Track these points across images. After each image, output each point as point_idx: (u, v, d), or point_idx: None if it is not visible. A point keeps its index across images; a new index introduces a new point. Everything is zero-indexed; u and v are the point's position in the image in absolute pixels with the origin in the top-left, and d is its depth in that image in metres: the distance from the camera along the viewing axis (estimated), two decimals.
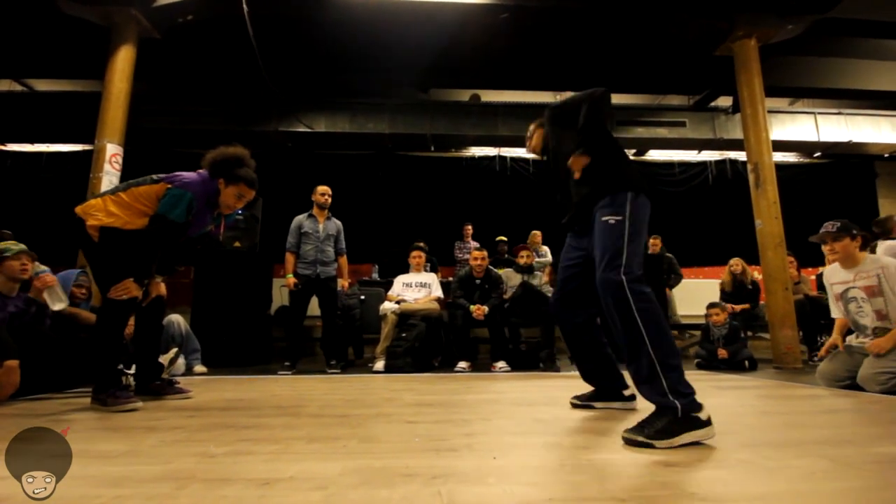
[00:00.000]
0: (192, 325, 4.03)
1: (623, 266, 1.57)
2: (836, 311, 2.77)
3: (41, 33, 5.33)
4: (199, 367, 3.76)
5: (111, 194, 2.16)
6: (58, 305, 2.56)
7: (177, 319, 3.77)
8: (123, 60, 4.49)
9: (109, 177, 4.32)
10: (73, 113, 6.34)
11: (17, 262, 2.48)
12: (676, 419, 1.34)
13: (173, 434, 1.47)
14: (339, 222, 4.14)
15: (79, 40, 5.18)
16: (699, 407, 1.37)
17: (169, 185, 2.13)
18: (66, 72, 6.32)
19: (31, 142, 7.32)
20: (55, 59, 5.87)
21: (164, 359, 2.84)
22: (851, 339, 2.71)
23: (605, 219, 1.65)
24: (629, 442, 1.33)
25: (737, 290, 4.97)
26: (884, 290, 2.49)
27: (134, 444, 1.35)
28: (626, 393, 1.91)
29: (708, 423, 1.36)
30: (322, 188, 4.04)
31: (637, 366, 1.48)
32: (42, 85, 6.88)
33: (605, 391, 1.95)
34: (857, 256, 2.60)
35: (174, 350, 3.24)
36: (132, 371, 2.51)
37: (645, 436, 1.31)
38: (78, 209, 2.13)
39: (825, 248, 2.66)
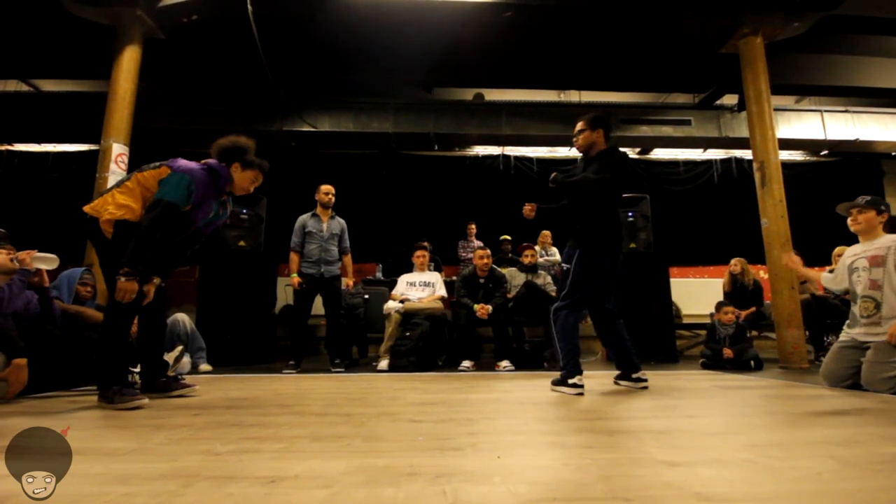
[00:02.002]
0: (197, 323, 4.05)
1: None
2: (835, 281, 2.81)
3: (47, 34, 5.36)
4: (205, 366, 3.78)
5: (117, 187, 2.17)
6: (52, 264, 2.42)
7: (182, 318, 3.79)
8: (129, 61, 4.52)
9: (115, 176, 4.34)
10: (80, 113, 6.38)
11: (3, 253, 2.37)
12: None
13: (179, 432, 1.48)
14: (342, 221, 4.15)
15: (84, 41, 5.21)
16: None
17: (169, 170, 2.15)
18: (71, 72, 6.36)
19: (38, 142, 7.37)
20: (61, 60, 5.91)
21: (169, 357, 2.86)
22: (843, 335, 2.71)
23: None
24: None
25: (737, 291, 4.93)
26: (887, 261, 2.53)
27: (141, 441, 1.36)
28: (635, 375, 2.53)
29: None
30: (325, 187, 4.05)
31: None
32: (48, 85, 6.93)
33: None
34: (878, 231, 2.66)
35: (179, 348, 3.27)
36: (137, 369, 2.52)
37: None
38: (87, 208, 2.14)
39: (849, 220, 2.73)
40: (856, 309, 2.67)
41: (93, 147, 7.04)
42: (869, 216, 2.65)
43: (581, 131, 2.67)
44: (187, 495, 0.91)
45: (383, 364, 3.84)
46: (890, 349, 2.40)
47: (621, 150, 2.65)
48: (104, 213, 2.09)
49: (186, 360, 3.58)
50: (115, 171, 4.33)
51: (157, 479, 1.00)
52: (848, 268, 2.75)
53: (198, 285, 4.67)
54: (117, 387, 1.98)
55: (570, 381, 2.36)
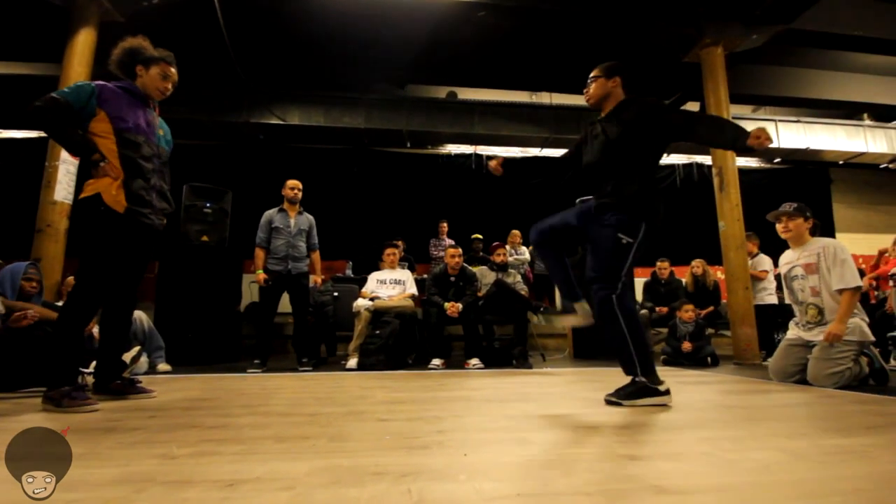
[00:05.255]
0: (155, 321, 3.89)
1: (619, 284, 1.94)
2: (787, 296, 2.93)
3: None
4: (163, 366, 3.63)
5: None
6: None
7: (139, 316, 3.62)
8: (83, 44, 4.28)
9: (66, 166, 4.11)
10: (29, 97, 5.96)
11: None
12: (640, 388, 1.90)
13: (133, 435, 1.41)
14: (311, 217, 4.07)
15: (37, 21, 4.90)
16: (659, 382, 1.92)
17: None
18: (22, 54, 5.96)
19: None
20: (11, 41, 5.54)
21: (125, 357, 2.73)
22: (790, 332, 2.86)
23: (619, 235, 1.93)
24: (608, 402, 1.93)
25: (698, 290, 5.14)
26: (820, 268, 2.67)
27: (90, 445, 1.29)
28: (662, 388, 1.94)
29: (665, 392, 1.91)
30: (291, 182, 3.96)
31: (622, 355, 1.97)
32: None
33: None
34: (805, 237, 2.79)
35: (136, 348, 3.12)
36: (90, 369, 2.39)
37: (618, 397, 1.92)
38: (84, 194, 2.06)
39: (779, 226, 2.84)
40: (801, 315, 2.82)
41: (42, 134, 6.64)
42: (798, 223, 2.78)
43: (595, 78, 2.12)
44: (139, 501, 0.87)
45: (352, 362, 3.79)
46: (834, 347, 2.55)
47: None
48: (103, 191, 2.02)
49: (144, 360, 3.43)
50: (67, 159, 4.09)
51: (106, 485, 0.95)
52: (786, 276, 2.88)
53: (156, 281, 4.48)
54: (67, 388, 1.87)
55: (662, 388, 1.91)
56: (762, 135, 1.69)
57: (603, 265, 1.96)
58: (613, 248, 1.93)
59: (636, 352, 1.92)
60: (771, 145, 1.73)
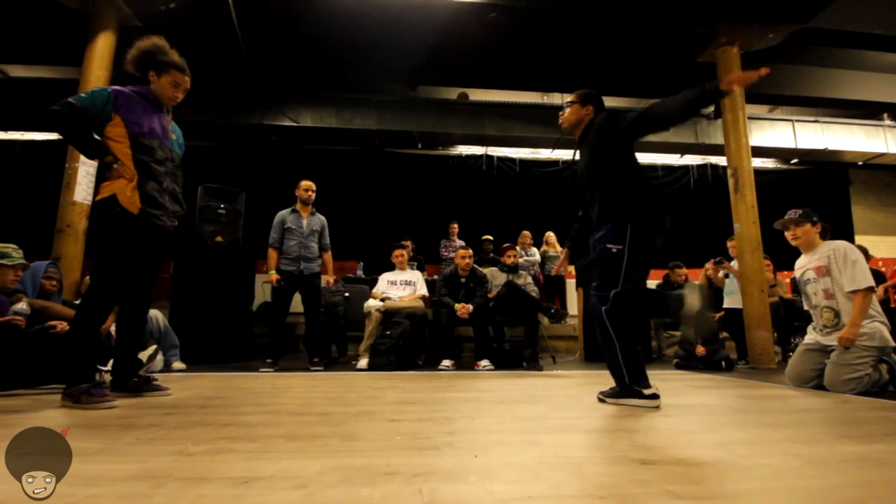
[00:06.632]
0: (170, 320, 3.96)
1: (613, 294, 2.02)
2: (804, 302, 2.89)
3: (17, 18, 5.15)
4: (178, 364, 3.70)
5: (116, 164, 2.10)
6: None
7: (155, 315, 3.70)
8: (102, 48, 4.38)
9: (86, 167, 4.20)
10: (50, 100, 6.10)
11: (13, 273, 2.46)
12: (623, 389, 2.02)
13: (150, 432, 1.44)
14: (323, 218, 4.10)
15: (57, 26, 5.02)
16: (646, 387, 1.97)
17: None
18: (42, 58, 6.11)
19: (5, 129, 7.07)
20: (32, 45, 5.68)
21: (142, 355, 2.78)
22: (808, 337, 2.82)
23: (608, 246, 2.02)
24: (599, 399, 2.09)
25: (713, 293, 5.06)
26: (831, 270, 2.64)
27: (108, 441, 1.32)
28: (647, 392, 1.99)
29: (651, 397, 1.95)
30: (305, 183, 4.00)
31: (610, 362, 2.06)
32: (17, 71, 6.64)
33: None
34: (816, 242, 2.77)
35: (153, 347, 3.18)
36: (108, 367, 2.44)
37: (605, 395, 2.08)
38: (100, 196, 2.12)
39: (788, 234, 2.82)
40: (817, 319, 2.77)
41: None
42: (806, 229, 2.76)
43: (570, 104, 2.23)
44: (157, 497, 0.89)
45: (363, 363, 3.81)
46: (852, 352, 2.50)
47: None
48: (119, 193, 2.07)
49: (159, 358, 3.49)
50: (86, 161, 4.18)
51: (125, 481, 0.98)
52: (800, 280, 2.85)
53: (172, 281, 4.56)
54: (85, 385, 1.91)
55: (647, 392, 1.96)
56: (735, 76, 1.78)
57: (600, 277, 2.08)
58: (606, 259, 2.04)
59: (624, 360, 2.00)
60: (746, 83, 1.84)
